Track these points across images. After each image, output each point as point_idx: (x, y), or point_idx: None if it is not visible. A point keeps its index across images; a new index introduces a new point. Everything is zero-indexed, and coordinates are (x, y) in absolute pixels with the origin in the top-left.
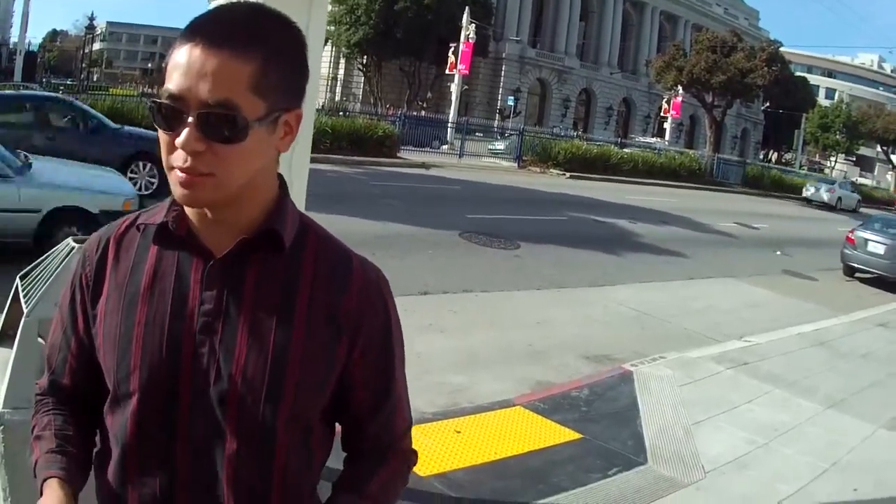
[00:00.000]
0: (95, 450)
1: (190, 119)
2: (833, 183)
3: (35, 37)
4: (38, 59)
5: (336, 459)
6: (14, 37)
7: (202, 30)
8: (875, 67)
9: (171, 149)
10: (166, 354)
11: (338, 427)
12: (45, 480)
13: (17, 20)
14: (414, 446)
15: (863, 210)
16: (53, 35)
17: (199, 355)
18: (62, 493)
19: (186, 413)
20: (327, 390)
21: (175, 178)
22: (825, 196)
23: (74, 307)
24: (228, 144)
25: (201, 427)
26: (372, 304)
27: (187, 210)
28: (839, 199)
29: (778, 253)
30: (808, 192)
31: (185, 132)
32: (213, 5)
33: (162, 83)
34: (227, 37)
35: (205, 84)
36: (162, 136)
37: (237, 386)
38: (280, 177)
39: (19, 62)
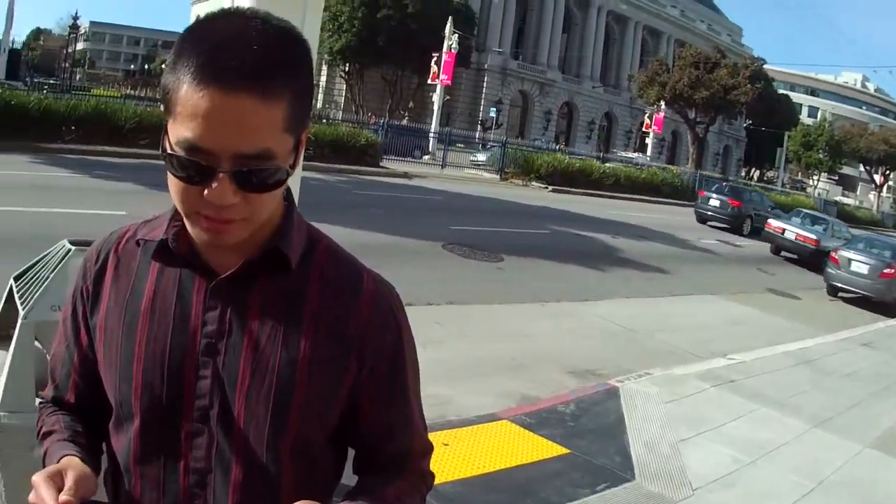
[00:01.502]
0: (104, 468)
1: (222, 174)
2: (820, 223)
3: (19, 35)
4: (22, 58)
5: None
6: None
7: (223, 70)
8: (858, 86)
9: (196, 199)
10: (168, 376)
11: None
12: (61, 458)
13: (1, 18)
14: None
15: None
16: (37, 33)
17: (202, 377)
18: (84, 466)
19: (189, 437)
20: (335, 412)
21: (201, 225)
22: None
23: (76, 320)
24: (267, 193)
25: (204, 451)
26: (382, 321)
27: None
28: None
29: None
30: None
31: (217, 186)
32: (201, 12)
33: (165, 113)
34: (255, 77)
35: (237, 135)
36: (178, 184)
37: (241, 409)
38: (286, 189)
39: (2, 60)
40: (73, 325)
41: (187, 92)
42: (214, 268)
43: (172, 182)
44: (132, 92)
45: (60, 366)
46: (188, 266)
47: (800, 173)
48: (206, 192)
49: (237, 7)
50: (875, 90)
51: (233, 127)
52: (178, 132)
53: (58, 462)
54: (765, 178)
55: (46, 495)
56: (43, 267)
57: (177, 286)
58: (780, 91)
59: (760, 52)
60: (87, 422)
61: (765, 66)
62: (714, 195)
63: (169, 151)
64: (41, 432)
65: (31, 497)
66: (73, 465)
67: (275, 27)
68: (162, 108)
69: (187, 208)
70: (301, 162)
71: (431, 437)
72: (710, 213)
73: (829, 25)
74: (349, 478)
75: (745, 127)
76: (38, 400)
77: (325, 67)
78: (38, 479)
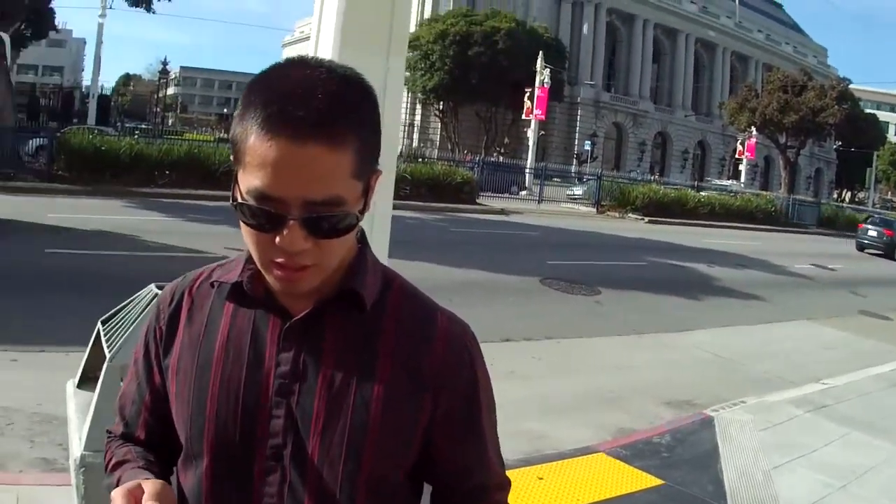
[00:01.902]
0: None
1: (292, 221)
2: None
3: (107, 81)
4: (112, 103)
5: None
6: (86, 80)
7: (290, 120)
8: None
9: (269, 247)
10: (241, 416)
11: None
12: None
13: (88, 65)
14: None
15: None
16: (126, 79)
17: (275, 417)
18: (163, 483)
19: (262, 475)
20: (411, 451)
21: (275, 273)
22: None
23: (149, 359)
24: (337, 238)
25: (276, 488)
26: (457, 360)
27: None
28: None
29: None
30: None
31: (288, 235)
32: (283, 61)
33: (235, 163)
34: (322, 126)
35: (306, 183)
36: (251, 232)
37: (315, 449)
38: (359, 230)
39: (93, 105)
40: (146, 364)
41: (255, 142)
42: (289, 309)
43: (245, 230)
44: (225, 136)
45: (131, 404)
46: (263, 307)
47: (889, 192)
48: (277, 239)
49: (301, 56)
50: None
51: (301, 175)
52: (248, 181)
53: None
54: (856, 199)
55: None
56: (130, 311)
57: (251, 327)
58: (867, 111)
59: (845, 72)
60: (158, 456)
61: (850, 87)
62: (871, 227)
63: (240, 201)
64: (112, 463)
65: None
66: (151, 480)
67: (340, 75)
68: (232, 158)
69: (261, 256)
70: (391, 205)
71: (526, 471)
72: (867, 241)
73: None
74: None
75: (835, 149)
76: (106, 434)
77: (419, 106)
78: (116, 493)
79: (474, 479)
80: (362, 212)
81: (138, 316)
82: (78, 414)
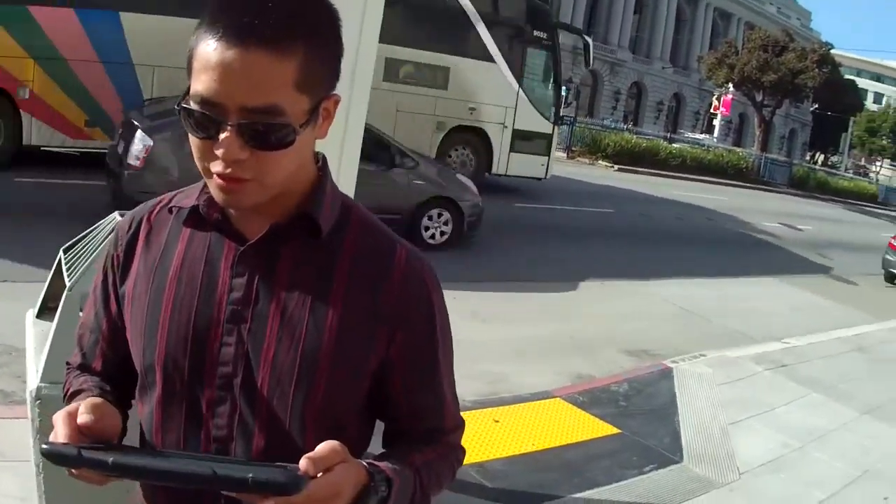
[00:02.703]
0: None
1: (229, 127)
2: None
3: None
4: None
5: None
6: None
7: (233, 24)
8: None
9: (209, 154)
10: (191, 343)
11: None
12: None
13: None
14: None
15: None
16: None
17: (225, 345)
18: (106, 402)
19: (211, 405)
20: (362, 385)
21: (214, 183)
22: None
23: (106, 288)
24: (274, 151)
25: (226, 420)
26: (415, 296)
27: None
28: None
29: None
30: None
31: (224, 140)
32: None
33: (188, 74)
34: (265, 32)
35: (244, 88)
36: (194, 140)
37: (265, 378)
38: (320, 157)
39: None
40: (103, 293)
41: (201, 46)
42: (245, 234)
43: (191, 141)
44: None
45: (89, 333)
46: (219, 232)
47: (863, 159)
48: (214, 146)
49: None
50: None
51: (240, 80)
52: (193, 87)
53: None
54: (829, 163)
55: (61, 429)
56: (92, 239)
57: (205, 252)
58: (847, 76)
59: (828, 37)
60: (114, 388)
61: (832, 51)
62: None
63: (183, 105)
64: (68, 393)
65: (51, 436)
66: (89, 398)
67: None
68: (186, 69)
69: (202, 165)
70: (360, 145)
71: (482, 413)
72: None
73: None
74: (375, 448)
75: (811, 111)
76: (66, 367)
77: None
78: (56, 416)
79: (430, 419)
80: (304, 127)
81: (100, 244)
82: (35, 345)
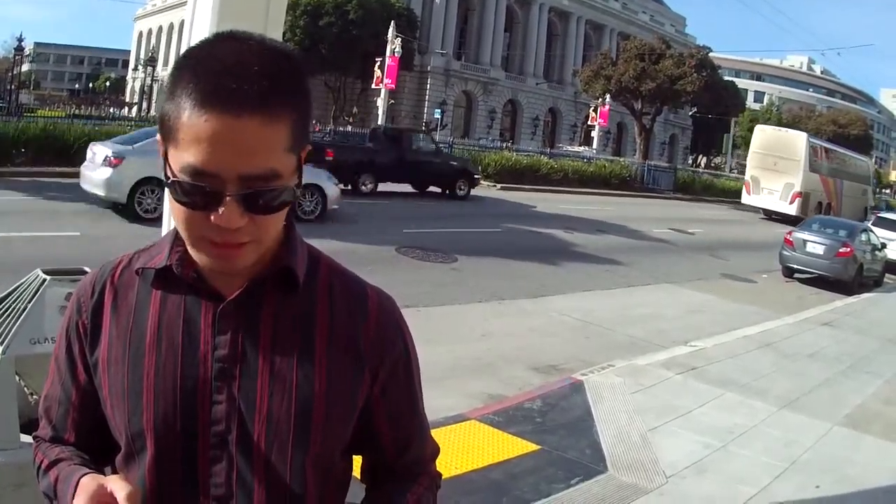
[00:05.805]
0: None
1: (229, 198)
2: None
3: None
4: None
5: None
6: None
7: (225, 94)
8: (804, 69)
9: (202, 224)
10: (181, 405)
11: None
12: (80, 478)
13: None
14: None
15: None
16: None
17: (216, 402)
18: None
19: (207, 465)
20: (352, 426)
21: (209, 250)
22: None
23: (72, 357)
24: (274, 214)
25: (224, 478)
26: (390, 333)
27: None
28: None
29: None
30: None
31: (225, 212)
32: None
33: (165, 141)
34: (255, 98)
35: (241, 157)
36: (183, 211)
37: (262, 432)
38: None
39: None
40: (69, 362)
41: (190, 117)
42: (220, 291)
43: (177, 209)
44: (78, 111)
45: (57, 405)
46: (193, 291)
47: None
48: (213, 217)
49: (231, 31)
50: (822, 72)
51: (237, 149)
52: (182, 158)
53: (77, 481)
54: (712, 165)
55: None
56: (17, 299)
57: (182, 313)
58: (726, 78)
59: (704, 41)
60: (91, 455)
61: (710, 55)
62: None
63: (173, 179)
64: (45, 464)
65: None
66: (112, 478)
67: (272, 48)
68: (159, 137)
69: (194, 234)
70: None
71: None
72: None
73: (775, 11)
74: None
75: (691, 115)
76: (32, 440)
77: None
78: (80, 501)
79: (413, 450)
80: (298, 186)
81: (27, 303)
82: None
